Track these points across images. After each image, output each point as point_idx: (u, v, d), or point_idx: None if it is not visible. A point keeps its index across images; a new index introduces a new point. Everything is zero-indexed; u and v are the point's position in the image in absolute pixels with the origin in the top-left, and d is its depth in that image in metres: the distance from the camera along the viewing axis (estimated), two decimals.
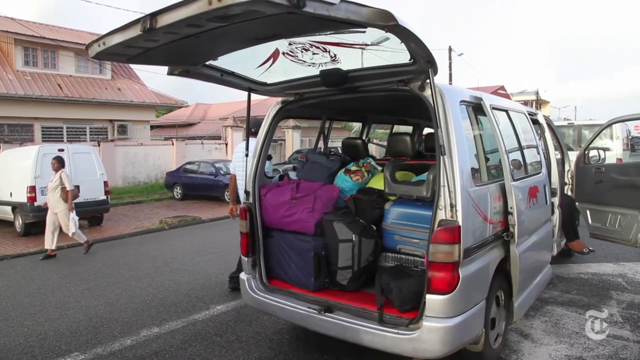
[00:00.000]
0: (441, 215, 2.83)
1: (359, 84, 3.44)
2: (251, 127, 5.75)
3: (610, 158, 10.19)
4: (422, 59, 2.77)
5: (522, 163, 3.95)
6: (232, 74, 3.56)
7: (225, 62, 3.30)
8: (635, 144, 14.19)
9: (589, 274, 5.74)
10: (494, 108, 3.61)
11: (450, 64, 30.77)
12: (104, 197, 10.37)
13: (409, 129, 6.75)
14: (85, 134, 18.28)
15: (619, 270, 5.86)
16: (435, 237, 2.80)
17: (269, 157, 4.18)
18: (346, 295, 3.45)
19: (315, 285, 3.53)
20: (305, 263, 3.57)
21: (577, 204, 6.14)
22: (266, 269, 3.85)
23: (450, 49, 30.86)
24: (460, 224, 2.78)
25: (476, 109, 3.47)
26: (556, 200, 5.33)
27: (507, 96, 31.48)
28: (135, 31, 2.34)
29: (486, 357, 3.32)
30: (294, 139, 21.32)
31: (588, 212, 6.09)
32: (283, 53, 3.33)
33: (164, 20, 2.21)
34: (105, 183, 10.41)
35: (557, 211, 5.25)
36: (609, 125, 6.61)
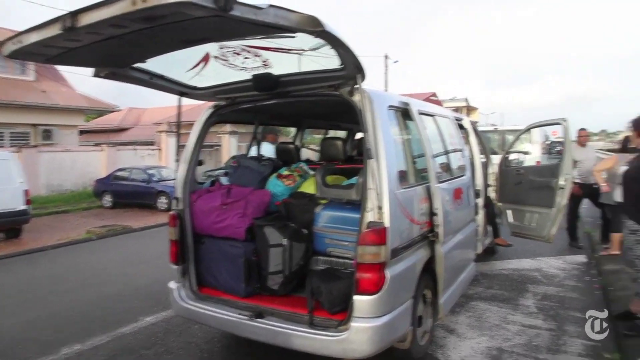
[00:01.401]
0: (369, 217, 2.90)
1: (291, 88, 3.46)
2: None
3: (531, 161, 10.93)
4: (351, 65, 2.83)
5: (447, 166, 4.14)
6: (162, 77, 3.46)
7: (154, 64, 3.20)
8: (552, 147, 15.24)
9: (509, 269, 6.10)
10: (421, 113, 3.76)
11: (386, 71, 31.80)
12: (24, 207, 9.63)
13: (343, 133, 6.87)
14: (4, 140, 16.98)
15: (535, 265, 6.28)
16: (362, 239, 2.86)
17: (200, 163, 4.09)
18: (277, 300, 3.44)
19: (246, 291, 3.50)
20: (235, 269, 3.52)
21: (500, 204, 6.53)
22: (197, 276, 3.76)
23: (386, 57, 31.88)
24: (387, 225, 2.86)
25: (404, 114, 3.59)
26: (480, 201, 5.64)
27: (438, 102, 32.88)
28: (55, 30, 2.22)
29: (414, 354, 3.43)
30: (231, 145, 21.00)
31: (509, 212, 6.50)
32: (214, 57, 3.28)
33: (86, 20, 2.11)
34: (26, 192, 9.69)
35: (481, 212, 5.55)
36: (527, 130, 7.08)
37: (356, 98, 3.07)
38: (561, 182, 5.69)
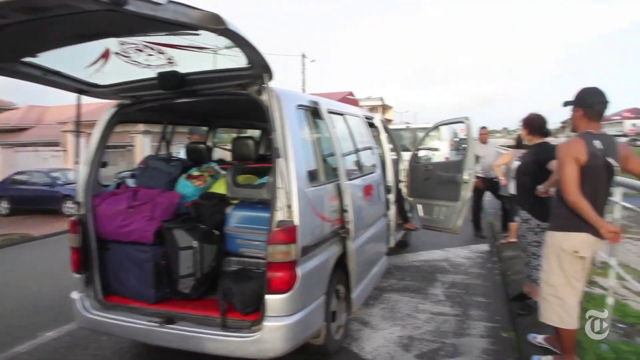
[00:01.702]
0: (278, 216, 2.90)
1: (198, 87, 3.37)
2: None
3: (440, 157, 11.58)
4: (258, 64, 2.82)
5: (357, 163, 4.27)
6: (58, 73, 3.21)
7: (48, 59, 2.96)
8: (460, 144, 16.26)
9: (421, 261, 6.43)
10: (330, 112, 3.83)
11: (303, 69, 32.13)
12: None
13: (257, 132, 6.83)
14: None
15: (444, 256, 6.67)
16: (272, 238, 2.86)
17: (104, 165, 3.86)
18: (189, 304, 3.35)
19: (155, 297, 3.37)
20: (144, 274, 3.38)
21: (411, 199, 6.84)
22: (103, 284, 3.55)
23: (303, 56, 32.20)
24: (297, 223, 2.88)
25: (313, 113, 3.65)
26: (392, 196, 5.87)
27: (355, 102, 33.70)
28: None
29: (329, 349, 3.50)
30: (144, 145, 20.03)
31: (420, 206, 6.82)
32: (115, 53, 3.10)
33: None
34: None
35: (393, 207, 5.79)
36: (435, 128, 7.47)
37: (264, 97, 3.06)
38: (465, 177, 6.08)
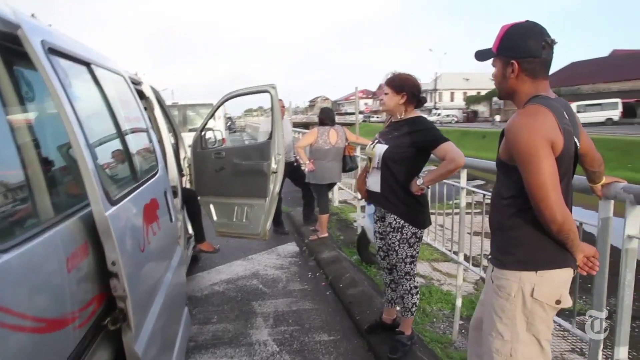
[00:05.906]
0: None
1: None
2: None
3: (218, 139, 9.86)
4: None
5: (126, 164, 2.25)
6: None
7: None
8: (231, 123, 14.90)
9: (222, 282, 4.69)
10: (54, 52, 1.70)
11: None
12: None
13: None
14: None
15: (250, 268, 5.08)
16: None
17: None
18: None
19: None
20: None
21: (199, 197, 4.98)
22: None
23: (32, 16, 26.62)
24: None
25: (6, 50, 1.51)
26: (178, 201, 3.98)
27: None
28: None
29: None
30: None
31: (212, 206, 5.02)
32: None
33: None
34: None
35: (180, 216, 3.92)
36: (225, 100, 5.62)
37: None
38: (273, 165, 4.56)
